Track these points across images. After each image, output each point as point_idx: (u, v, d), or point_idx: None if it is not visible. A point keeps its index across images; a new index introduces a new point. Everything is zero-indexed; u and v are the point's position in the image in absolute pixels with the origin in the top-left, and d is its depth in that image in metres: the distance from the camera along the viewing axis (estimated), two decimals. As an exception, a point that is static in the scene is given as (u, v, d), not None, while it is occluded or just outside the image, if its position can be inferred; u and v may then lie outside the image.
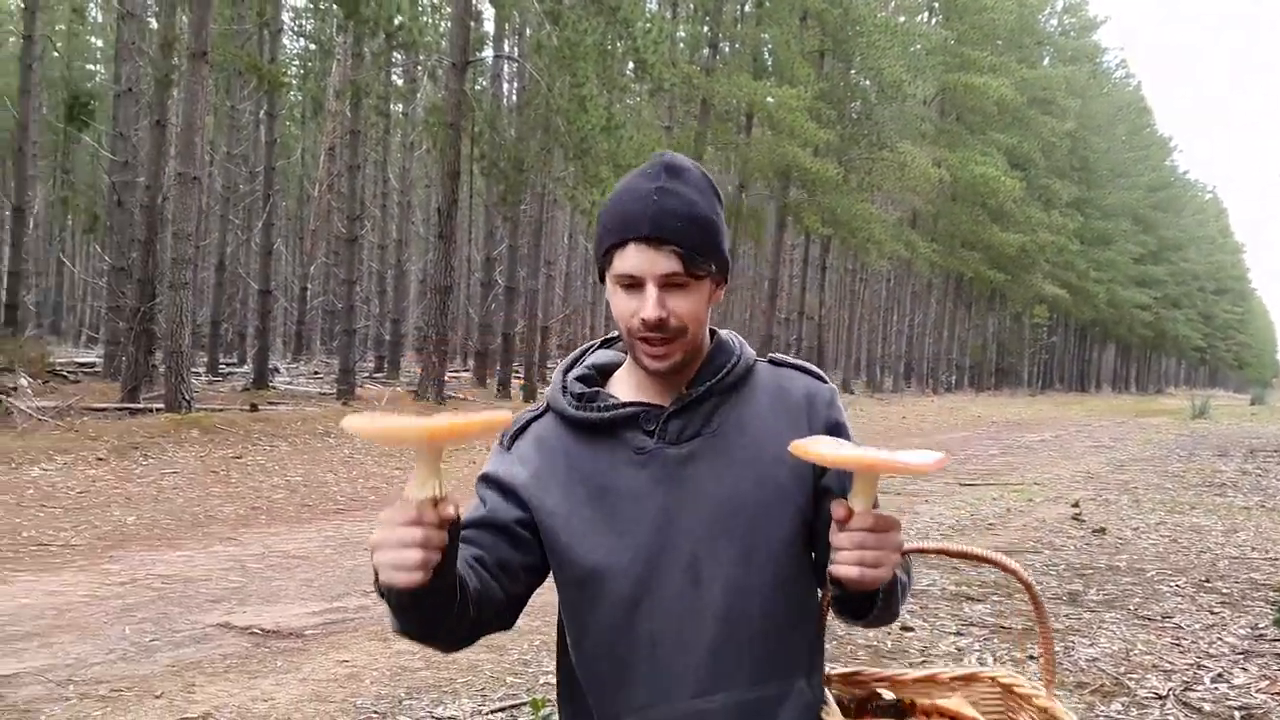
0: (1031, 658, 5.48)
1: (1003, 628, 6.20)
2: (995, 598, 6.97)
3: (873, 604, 1.50)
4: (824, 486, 1.66)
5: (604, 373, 1.80)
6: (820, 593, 1.69)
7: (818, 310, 39.13)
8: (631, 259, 1.57)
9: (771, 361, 1.81)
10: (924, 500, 11.90)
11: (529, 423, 1.76)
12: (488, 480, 1.73)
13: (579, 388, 1.73)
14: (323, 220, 33.22)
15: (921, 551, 1.75)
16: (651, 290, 1.57)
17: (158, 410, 15.00)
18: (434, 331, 19.84)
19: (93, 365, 22.57)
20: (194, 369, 18.43)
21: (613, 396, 1.71)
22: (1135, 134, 73.43)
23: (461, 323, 38.10)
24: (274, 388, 21.85)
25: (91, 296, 40.05)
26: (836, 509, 1.37)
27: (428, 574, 1.30)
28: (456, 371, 30.18)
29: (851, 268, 46.71)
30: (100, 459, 11.77)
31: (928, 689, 1.79)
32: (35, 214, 32.49)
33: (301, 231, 37.05)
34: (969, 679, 1.80)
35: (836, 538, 1.37)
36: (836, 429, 1.70)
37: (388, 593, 1.34)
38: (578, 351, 1.88)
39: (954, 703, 1.75)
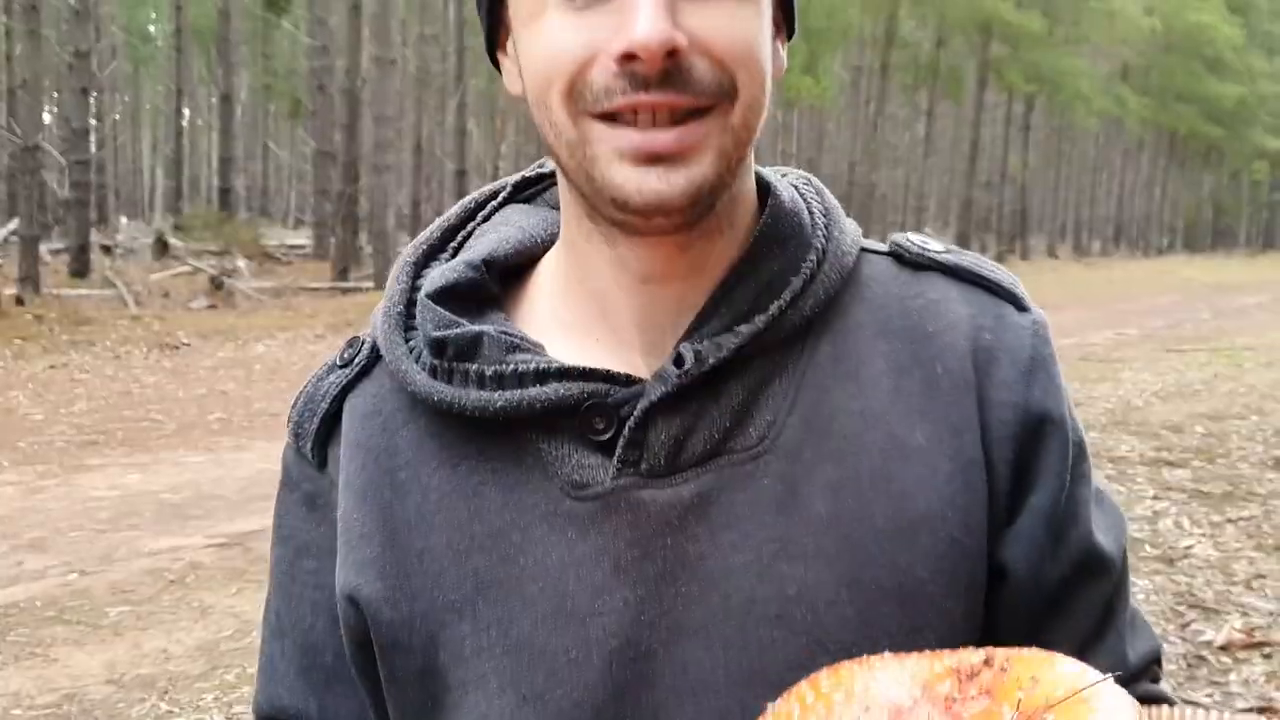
0: (1230, 520, 5.38)
1: (1201, 493, 6.08)
2: (1196, 463, 6.82)
3: None
4: (1002, 566, 0.75)
5: (506, 273, 0.82)
6: None
7: (1021, 172, 37.63)
8: None
9: (897, 256, 0.80)
10: (1128, 367, 11.55)
11: (344, 390, 0.87)
12: (282, 540, 0.89)
13: (443, 324, 0.76)
14: (512, 98, 33.71)
15: None
16: None
17: (367, 289, 15.93)
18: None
19: (301, 247, 23.85)
20: (398, 249, 19.29)
21: (525, 344, 0.75)
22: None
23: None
24: (472, 265, 22.63)
25: (297, 180, 42.00)
26: None
27: None
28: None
29: (1057, 126, 44.50)
30: (318, 335, 12.59)
31: None
32: (241, 101, 34.14)
33: (492, 111, 37.66)
34: None
35: None
36: (1041, 434, 0.74)
37: None
38: (450, 216, 0.87)
39: None
